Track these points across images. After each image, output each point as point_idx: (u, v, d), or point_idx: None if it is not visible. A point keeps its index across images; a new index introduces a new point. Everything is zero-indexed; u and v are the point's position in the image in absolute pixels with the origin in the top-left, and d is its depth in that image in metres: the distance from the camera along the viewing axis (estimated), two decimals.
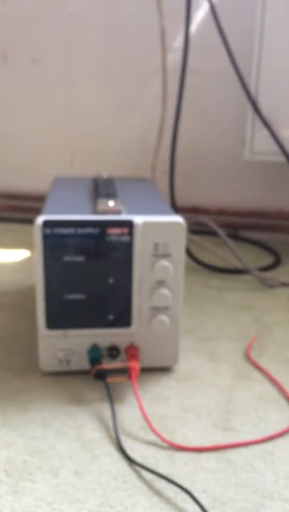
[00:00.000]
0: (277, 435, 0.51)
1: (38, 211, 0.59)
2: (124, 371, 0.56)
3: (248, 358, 0.65)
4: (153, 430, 0.50)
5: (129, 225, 0.54)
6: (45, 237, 0.54)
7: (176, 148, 0.94)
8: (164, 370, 0.61)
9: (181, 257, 0.57)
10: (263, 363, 0.64)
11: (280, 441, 0.50)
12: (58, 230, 0.54)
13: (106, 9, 1.11)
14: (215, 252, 0.95)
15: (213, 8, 0.90)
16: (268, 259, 1.02)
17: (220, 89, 1.10)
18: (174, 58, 1.01)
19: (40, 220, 0.54)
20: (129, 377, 0.55)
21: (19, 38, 1.16)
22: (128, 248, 0.55)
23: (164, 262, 0.56)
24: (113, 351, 0.58)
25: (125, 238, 0.55)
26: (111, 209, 0.57)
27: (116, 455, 0.47)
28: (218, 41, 0.91)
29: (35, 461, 0.46)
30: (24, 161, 1.23)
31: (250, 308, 0.80)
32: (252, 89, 0.95)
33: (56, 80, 1.17)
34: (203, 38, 1.03)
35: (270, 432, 0.51)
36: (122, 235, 0.55)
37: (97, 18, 1.11)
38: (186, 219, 0.57)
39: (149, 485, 0.44)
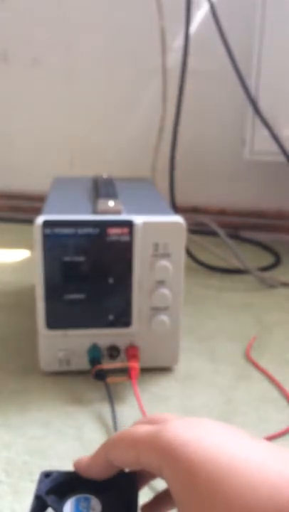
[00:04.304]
0: (277, 435, 0.51)
1: (38, 211, 0.59)
2: (124, 371, 0.56)
3: (248, 358, 0.65)
4: None
5: (129, 225, 0.54)
6: (45, 237, 0.54)
7: (176, 148, 0.94)
8: (164, 370, 0.61)
9: (181, 257, 0.57)
10: (263, 363, 0.64)
11: (280, 442, 0.50)
12: (58, 230, 0.54)
13: (106, 9, 1.11)
14: (215, 252, 0.95)
15: (213, 8, 0.90)
16: (268, 259, 1.02)
17: (220, 89, 1.10)
18: (174, 58, 1.01)
19: (40, 220, 0.54)
20: (129, 377, 0.55)
21: (19, 38, 1.16)
22: (128, 248, 0.55)
23: (164, 262, 0.56)
24: (113, 351, 0.58)
25: (125, 238, 0.55)
26: (111, 209, 0.57)
27: None
28: (218, 41, 0.91)
29: (35, 461, 0.46)
30: (24, 161, 1.23)
31: (250, 308, 0.80)
32: (252, 89, 0.95)
33: (56, 80, 1.17)
34: (203, 38, 1.03)
35: (271, 432, 0.51)
36: (122, 235, 0.54)
37: (97, 18, 1.11)
38: (186, 219, 0.57)
39: (149, 485, 0.44)
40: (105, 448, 0.31)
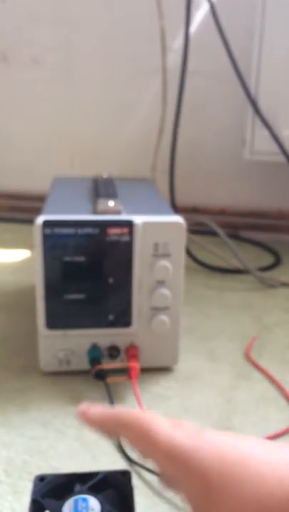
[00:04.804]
0: (277, 435, 0.51)
1: (38, 211, 0.59)
2: (124, 371, 0.56)
3: (248, 358, 0.65)
4: None
5: (129, 225, 0.54)
6: (45, 237, 0.54)
7: (176, 148, 0.94)
8: (164, 370, 0.61)
9: (181, 257, 0.57)
10: (263, 363, 0.64)
11: (280, 442, 0.50)
12: (58, 230, 0.54)
13: (106, 9, 1.11)
14: (215, 252, 0.95)
15: (213, 8, 0.90)
16: (268, 259, 1.02)
17: (220, 89, 1.10)
18: (174, 58, 1.01)
19: (40, 220, 0.54)
20: (129, 377, 0.55)
21: (19, 38, 1.16)
22: (128, 248, 0.55)
23: (164, 262, 0.56)
24: (113, 351, 0.58)
25: (125, 238, 0.55)
26: (111, 209, 0.57)
27: (116, 455, 0.47)
28: (218, 41, 0.91)
29: (35, 461, 0.46)
30: (24, 161, 1.23)
31: (250, 308, 0.80)
32: (252, 89, 0.95)
33: (56, 80, 1.17)
34: (203, 38, 1.03)
35: (271, 431, 0.51)
36: (122, 235, 0.54)
37: (97, 18, 1.11)
38: (186, 219, 0.57)
39: (149, 485, 0.44)
40: (118, 422, 0.30)
